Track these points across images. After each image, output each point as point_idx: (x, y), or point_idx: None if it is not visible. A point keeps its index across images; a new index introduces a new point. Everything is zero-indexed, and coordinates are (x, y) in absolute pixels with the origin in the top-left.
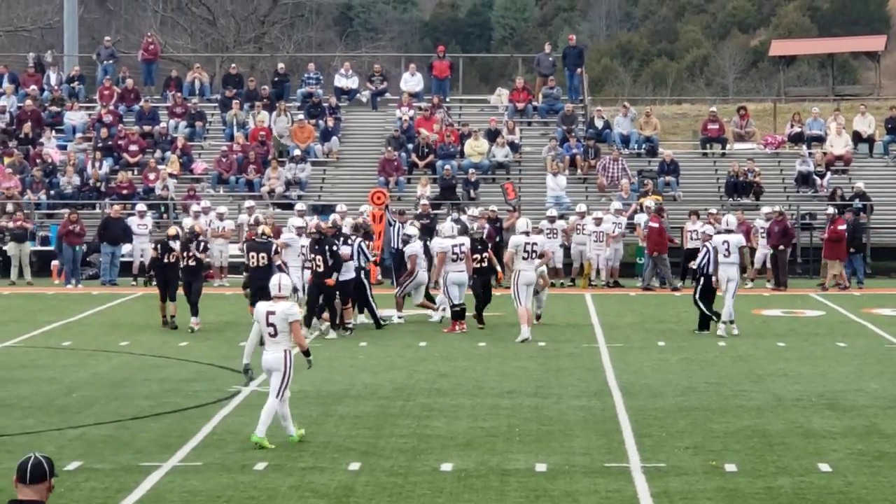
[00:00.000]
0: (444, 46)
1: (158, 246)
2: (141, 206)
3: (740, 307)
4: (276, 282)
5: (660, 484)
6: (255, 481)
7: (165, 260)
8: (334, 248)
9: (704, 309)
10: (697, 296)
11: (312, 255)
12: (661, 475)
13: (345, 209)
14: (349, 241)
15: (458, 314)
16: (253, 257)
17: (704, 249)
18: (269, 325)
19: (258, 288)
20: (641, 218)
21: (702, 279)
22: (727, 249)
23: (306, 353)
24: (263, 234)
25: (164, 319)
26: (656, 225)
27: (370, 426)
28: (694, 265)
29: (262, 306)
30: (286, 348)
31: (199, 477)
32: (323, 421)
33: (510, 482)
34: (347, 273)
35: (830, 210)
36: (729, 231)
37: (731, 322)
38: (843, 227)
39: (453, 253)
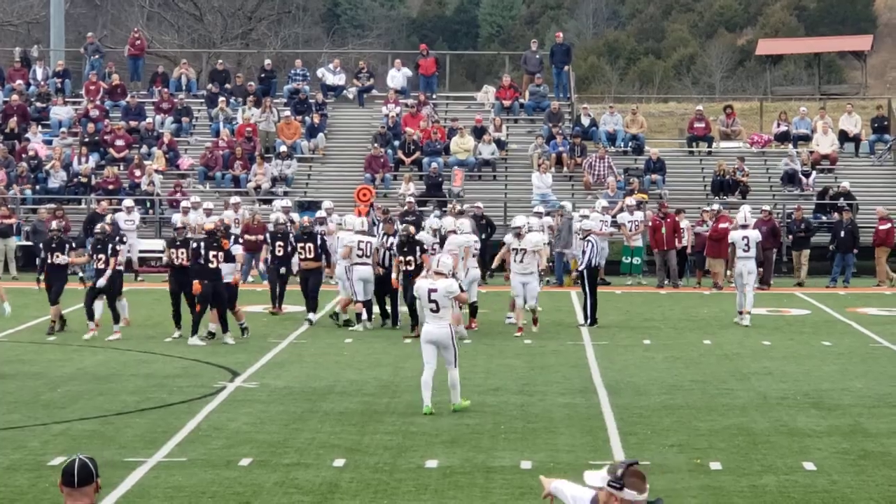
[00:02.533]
0: (426, 45)
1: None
2: (128, 202)
3: (726, 307)
4: (438, 259)
5: None
6: (239, 477)
7: (51, 260)
8: (200, 248)
9: (590, 304)
10: (589, 289)
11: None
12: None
13: (331, 206)
14: (239, 241)
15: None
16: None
17: (590, 244)
18: (430, 301)
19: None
20: (625, 217)
21: (585, 272)
22: (746, 244)
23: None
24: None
25: (53, 326)
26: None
27: (355, 423)
28: (581, 264)
29: (423, 283)
30: (449, 322)
31: (184, 472)
32: (308, 417)
33: (495, 479)
34: (227, 277)
35: (715, 206)
36: (745, 226)
37: (749, 312)
38: (726, 224)
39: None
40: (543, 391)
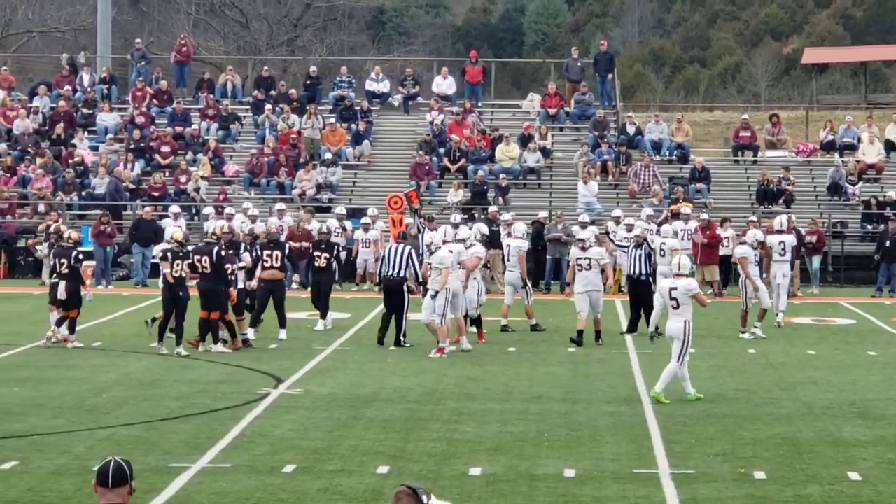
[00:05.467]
0: (476, 51)
1: None
2: (174, 208)
3: (769, 316)
4: (678, 261)
5: (689, 490)
6: (283, 484)
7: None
8: (222, 253)
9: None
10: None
11: (199, 257)
12: (689, 482)
13: (376, 213)
14: (248, 248)
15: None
16: (198, 260)
17: (645, 253)
18: (671, 298)
19: (202, 290)
20: (679, 225)
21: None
22: (783, 249)
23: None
24: (213, 233)
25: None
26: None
27: (399, 430)
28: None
29: (665, 283)
30: (686, 319)
31: (228, 479)
32: (352, 424)
33: (539, 487)
34: (238, 283)
35: (704, 216)
36: (781, 231)
37: (782, 311)
38: (719, 232)
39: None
40: (588, 399)
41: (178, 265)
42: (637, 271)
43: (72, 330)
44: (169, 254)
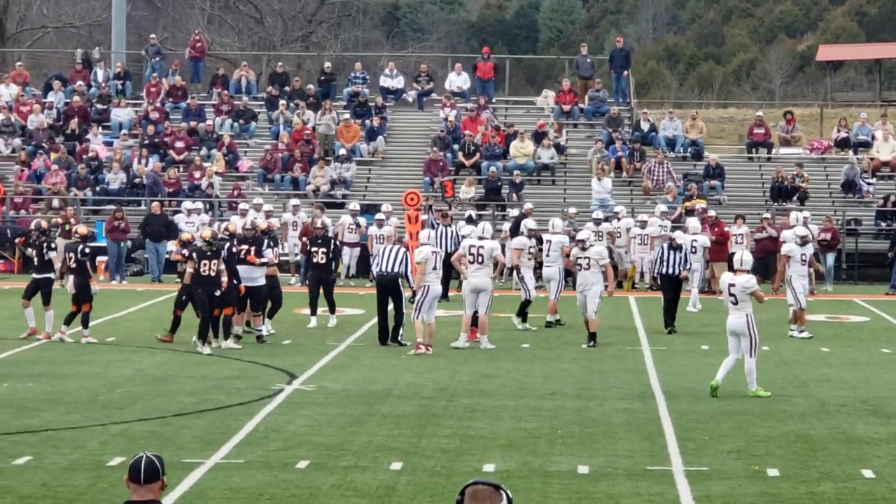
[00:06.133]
0: (488, 48)
1: None
2: (188, 204)
3: (783, 313)
4: (739, 257)
5: (702, 488)
6: (297, 479)
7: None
8: (233, 250)
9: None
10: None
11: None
12: (703, 479)
13: (390, 209)
14: (271, 244)
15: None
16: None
17: (673, 252)
18: (730, 294)
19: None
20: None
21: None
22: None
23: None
24: (226, 229)
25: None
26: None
27: (412, 426)
28: (656, 267)
29: (725, 277)
30: (747, 313)
31: (241, 474)
32: (365, 420)
33: (552, 484)
34: (259, 280)
35: (712, 213)
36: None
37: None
38: (730, 229)
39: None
40: (601, 396)
41: (205, 264)
42: (675, 271)
43: (85, 325)
44: (195, 253)
